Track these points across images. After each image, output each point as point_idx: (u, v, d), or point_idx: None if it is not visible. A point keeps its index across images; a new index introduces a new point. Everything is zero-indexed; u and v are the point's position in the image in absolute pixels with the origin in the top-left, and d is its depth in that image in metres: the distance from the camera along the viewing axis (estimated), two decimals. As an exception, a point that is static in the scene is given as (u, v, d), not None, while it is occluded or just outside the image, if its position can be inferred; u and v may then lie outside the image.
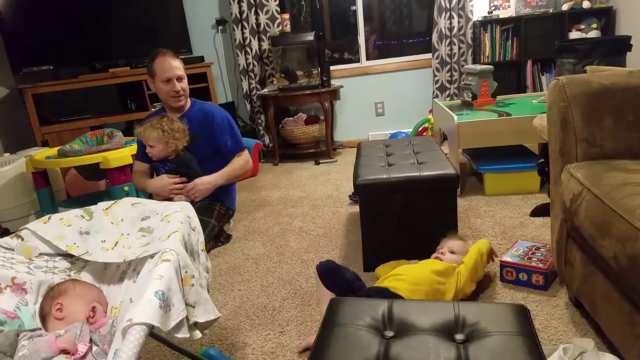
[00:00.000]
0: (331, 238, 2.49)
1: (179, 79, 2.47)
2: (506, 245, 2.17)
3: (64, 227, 1.36)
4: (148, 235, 1.28)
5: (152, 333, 1.39)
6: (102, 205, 1.42)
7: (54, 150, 2.96)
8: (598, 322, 1.41)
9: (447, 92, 4.24)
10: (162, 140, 2.36)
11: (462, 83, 3.43)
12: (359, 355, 0.99)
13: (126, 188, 2.72)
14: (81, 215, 1.40)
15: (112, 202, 1.43)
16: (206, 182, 2.45)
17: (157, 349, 1.69)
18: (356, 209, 2.80)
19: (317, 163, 4.06)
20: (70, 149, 2.77)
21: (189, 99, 2.59)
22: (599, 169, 1.41)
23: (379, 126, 4.57)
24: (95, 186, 3.39)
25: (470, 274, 1.74)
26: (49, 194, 3.03)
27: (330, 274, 1.70)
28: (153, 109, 3.51)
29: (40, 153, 3.02)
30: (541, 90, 4.08)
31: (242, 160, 2.58)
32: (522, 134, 2.68)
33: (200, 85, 3.97)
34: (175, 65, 2.45)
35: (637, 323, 1.17)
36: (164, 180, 2.42)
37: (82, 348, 1.10)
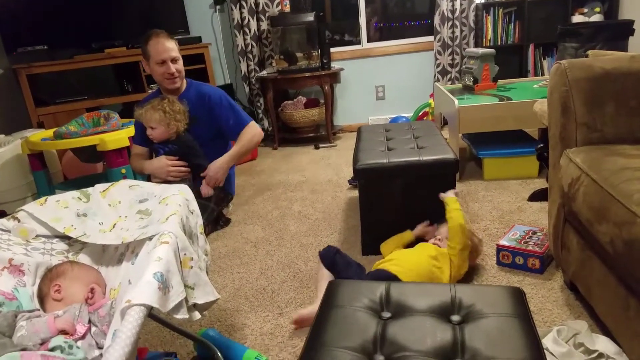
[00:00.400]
0: (330, 222, 2.49)
1: (174, 60, 2.44)
2: (503, 229, 2.17)
3: (60, 209, 1.36)
4: (146, 218, 1.28)
5: (152, 314, 1.40)
6: (99, 187, 1.42)
7: (49, 132, 2.94)
8: (593, 306, 1.42)
9: (449, 76, 4.21)
10: (163, 122, 2.35)
11: (464, 67, 3.41)
12: (357, 336, 1.00)
13: (123, 171, 2.72)
14: (78, 197, 1.40)
15: (109, 184, 1.42)
16: (217, 166, 2.45)
17: (156, 330, 1.70)
18: (355, 193, 2.80)
19: (317, 147, 4.05)
20: (66, 131, 2.75)
21: (184, 81, 2.56)
22: (599, 154, 1.40)
23: (379, 110, 4.54)
24: (93, 168, 3.38)
25: (461, 254, 1.75)
26: (45, 176, 3.02)
27: (331, 257, 1.72)
28: (150, 91, 3.48)
29: (36, 135, 3.00)
30: (542, 74, 4.05)
31: (249, 134, 2.55)
32: (523, 119, 2.67)
33: (197, 66, 3.93)
34: (169, 47, 2.42)
35: (631, 307, 1.18)
36: (162, 162, 2.40)
37: (80, 329, 1.11)
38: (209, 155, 2.50)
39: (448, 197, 1.89)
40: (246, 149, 2.57)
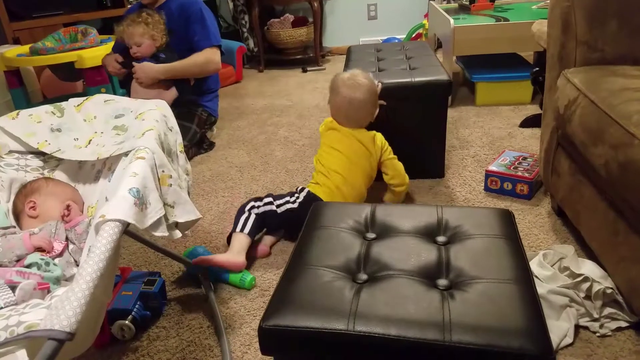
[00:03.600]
0: (317, 148, 2.42)
1: None
2: (493, 155, 2.15)
3: (33, 123, 1.29)
4: (122, 134, 1.22)
5: (135, 235, 1.38)
6: (73, 101, 1.34)
7: (25, 48, 2.80)
8: (580, 231, 1.42)
9: (444, -4, 4.00)
10: (147, 35, 2.26)
11: (461, -15, 3.23)
12: (341, 255, 0.98)
13: (103, 90, 2.61)
14: (52, 112, 1.32)
15: (84, 98, 1.34)
16: (148, 67, 2.27)
17: (140, 251, 1.69)
18: (344, 117, 2.73)
19: (305, 70, 3.90)
20: (42, 47, 2.62)
21: None
22: (597, 74, 1.34)
23: (371, 31, 4.35)
24: (72, 87, 3.25)
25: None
26: (23, 94, 2.90)
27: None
28: (129, 5, 3.29)
29: (11, 50, 2.86)
30: (542, -4, 3.86)
31: (202, 57, 2.34)
32: (519, 41, 2.56)
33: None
34: None
35: (620, 231, 1.17)
36: (112, 57, 2.35)
37: (58, 246, 1.08)
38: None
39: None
40: (190, 70, 2.35)
